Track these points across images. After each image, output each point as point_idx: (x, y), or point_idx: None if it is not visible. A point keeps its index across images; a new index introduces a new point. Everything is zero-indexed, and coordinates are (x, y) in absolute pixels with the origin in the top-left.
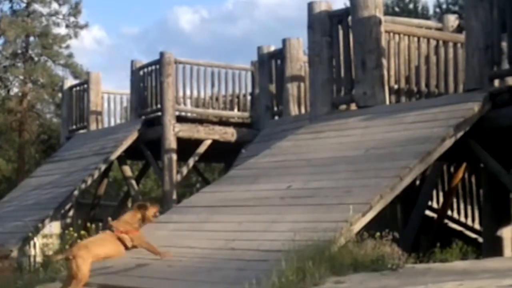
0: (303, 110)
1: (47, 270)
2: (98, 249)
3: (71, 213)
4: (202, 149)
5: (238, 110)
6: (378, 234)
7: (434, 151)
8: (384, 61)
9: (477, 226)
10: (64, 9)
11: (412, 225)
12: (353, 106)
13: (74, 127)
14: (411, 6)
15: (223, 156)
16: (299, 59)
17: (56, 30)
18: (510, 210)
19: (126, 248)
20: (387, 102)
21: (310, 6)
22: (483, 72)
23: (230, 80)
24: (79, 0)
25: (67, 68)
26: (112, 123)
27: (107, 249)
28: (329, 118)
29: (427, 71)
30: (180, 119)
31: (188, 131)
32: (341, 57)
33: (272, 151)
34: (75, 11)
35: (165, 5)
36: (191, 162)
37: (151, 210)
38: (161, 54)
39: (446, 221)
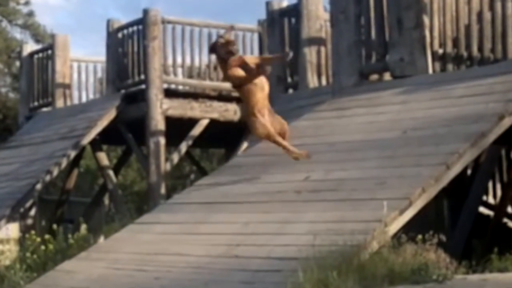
0: (324, 81)
1: (3, 283)
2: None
3: (32, 212)
4: (197, 131)
5: None
6: (419, 237)
7: (489, 132)
8: (426, 19)
9: None
10: None
11: (462, 226)
12: (387, 76)
13: (36, 104)
14: None
15: (224, 140)
16: (318, 17)
17: None
18: None
19: None
20: (430, 70)
21: None
22: None
23: None
24: None
25: (26, 30)
26: (84, 99)
27: None
28: (357, 91)
29: (480, 31)
30: (169, 94)
31: (179, 108)
32: (372, 14)
33: None
34: None
35: None
36: (183, 147)
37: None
38: (145, 12)
39: (505, 220)
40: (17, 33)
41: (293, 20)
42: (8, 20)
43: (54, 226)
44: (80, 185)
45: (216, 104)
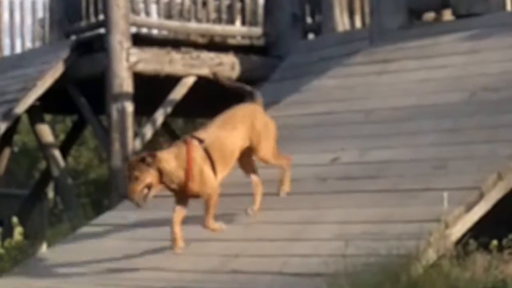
0: (358, 22)
1: None
2: None
3: None
4: (179, 93)
5: (243, 23)
6: (494, 243)
7: None
8: None
9: None
10: None
11: None
12: (447, 15)
13: None
14: None
15: (217, 106)
16: None
17: None
18: None
19: None
20: (508, 7)
21: None
22: None
23: None
24: None
25: None
26: (18, 49)
27: None
28: (405, 36)
29: None
30: (140, 41)
31: (153, 61)
32: None
33: (304, 97)
34: None
35: None
36: (159, 116)
37: None
38: None
39: None
40: None
41: None
42: None
43: None
44: (13, 171)
45: (205, 55)
